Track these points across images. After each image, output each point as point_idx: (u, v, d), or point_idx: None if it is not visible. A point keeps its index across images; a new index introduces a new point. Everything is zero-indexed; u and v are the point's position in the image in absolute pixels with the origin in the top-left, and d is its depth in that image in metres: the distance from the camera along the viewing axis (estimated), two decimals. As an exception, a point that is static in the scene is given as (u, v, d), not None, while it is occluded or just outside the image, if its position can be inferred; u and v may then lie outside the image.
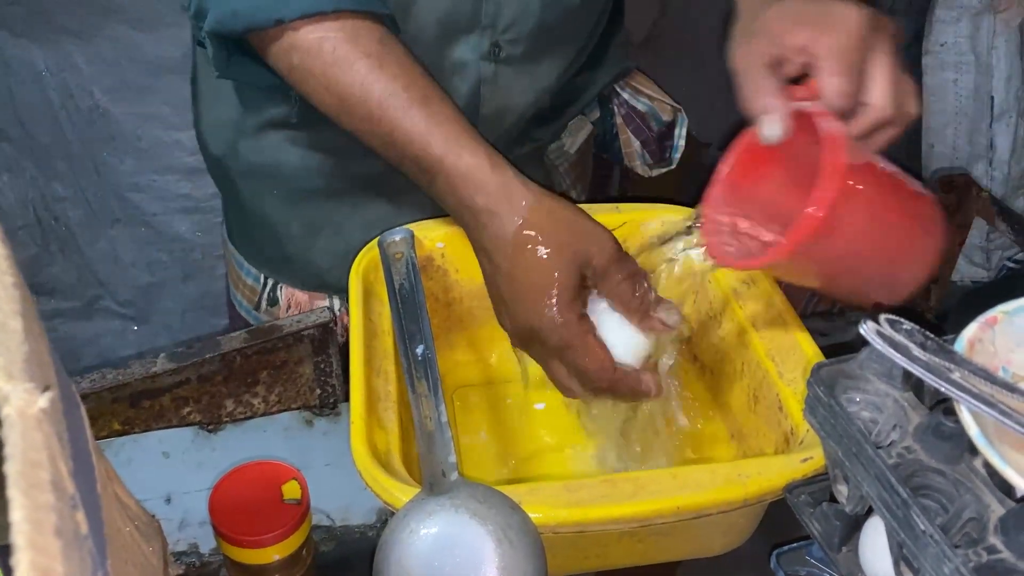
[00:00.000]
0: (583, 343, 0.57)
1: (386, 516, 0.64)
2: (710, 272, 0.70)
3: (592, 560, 0.59)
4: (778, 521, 0.60)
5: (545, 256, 0.57)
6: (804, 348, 0.61)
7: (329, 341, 0.85)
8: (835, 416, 0.42)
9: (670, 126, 0.96)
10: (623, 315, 0.58)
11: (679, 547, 0.59)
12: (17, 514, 0.22)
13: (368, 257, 0.68)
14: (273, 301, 0.88)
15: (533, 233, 0.58)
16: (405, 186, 0.79)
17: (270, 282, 0.88)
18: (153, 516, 0.49)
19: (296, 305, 0.88)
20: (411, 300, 0.65)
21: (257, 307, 0.90)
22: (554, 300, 0.57)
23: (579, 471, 0.67)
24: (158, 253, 1.27)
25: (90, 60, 1.15)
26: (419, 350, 0.60)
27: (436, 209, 0.79)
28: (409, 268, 0.67)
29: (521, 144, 0.84)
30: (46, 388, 0.26)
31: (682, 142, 0.95)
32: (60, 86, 1.16)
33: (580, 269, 0.58)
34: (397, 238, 0.69)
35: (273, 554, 0.51)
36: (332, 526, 0.64)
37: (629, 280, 0.58)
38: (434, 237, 0.71)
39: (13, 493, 0.23)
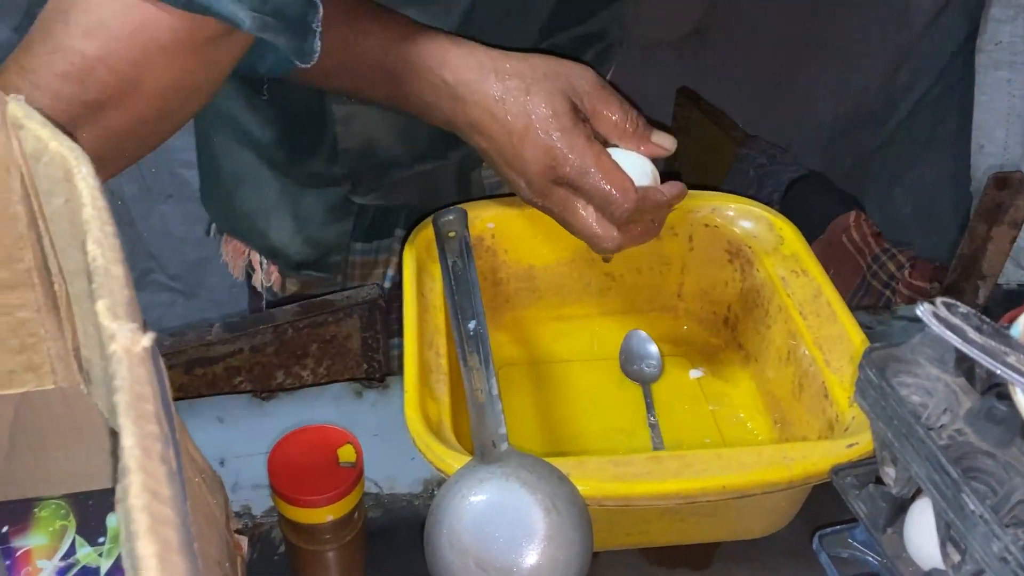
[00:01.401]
0: (600, 163, 0.57)
1: (432, 486, 0.66)
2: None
3: (633, 537, 0.60)
4: (817, 508, 0.61)
5: (532, 93, 0.57)
6: (852, 338, 0.61)
7: (376, 318, 0.86)
8: (885, 398, 0.43)
9: None
10: (623, 144, 0.59)
11: (720, 528, 0.60)
12: (128, 440, 0.24)
13: (421, 234, 0.70)
14: (221, 230, 0.92)
15: (512, 80, 0.58)
16: (311, 168, 0.80)
17: None
18: (215, 472, 0.51)
19: (229, 241, 0.91)
20: (464, 277, 0.66)
21: (208, 231, 0.94)
22: (556, 126, 0.56)
23: (618, 452, 0.68)
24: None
25: (150, 38, 1.18)
26: (471, 325, 0.62)
27: (337, 201, 0.80)
28: (462, 246, 0.68)
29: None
30: (146, 329, 0.28)
31: None
32: (120, 63, 1.18)
33: (569, 97, 0.57)
34: (451, 217, 0.71)
35: (327, 515, 0.53)
36: (379, 494, 0.65)
37: (620, 109, 0.58)
38: (486, 217, 0.73)
39: (124, 421, 0.24)
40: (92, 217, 0.30)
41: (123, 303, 0.28)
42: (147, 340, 0.27)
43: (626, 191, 0.57)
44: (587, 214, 0.59)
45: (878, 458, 0.46)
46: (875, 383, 0.43)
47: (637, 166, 0.60)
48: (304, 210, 0.83)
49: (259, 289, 0.90)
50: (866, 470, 0.49)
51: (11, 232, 0.39)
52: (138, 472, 0.23)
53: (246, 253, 0.90)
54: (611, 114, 0.59)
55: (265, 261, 0.88)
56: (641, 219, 0.60)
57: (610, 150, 0.60)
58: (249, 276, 0.91)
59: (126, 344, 0.26)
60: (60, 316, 0.42)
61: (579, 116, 0.58)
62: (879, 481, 0.48)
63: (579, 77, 0.59)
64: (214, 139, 0.84)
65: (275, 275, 0.89)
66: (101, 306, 0.27)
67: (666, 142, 0.60)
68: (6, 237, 0.39)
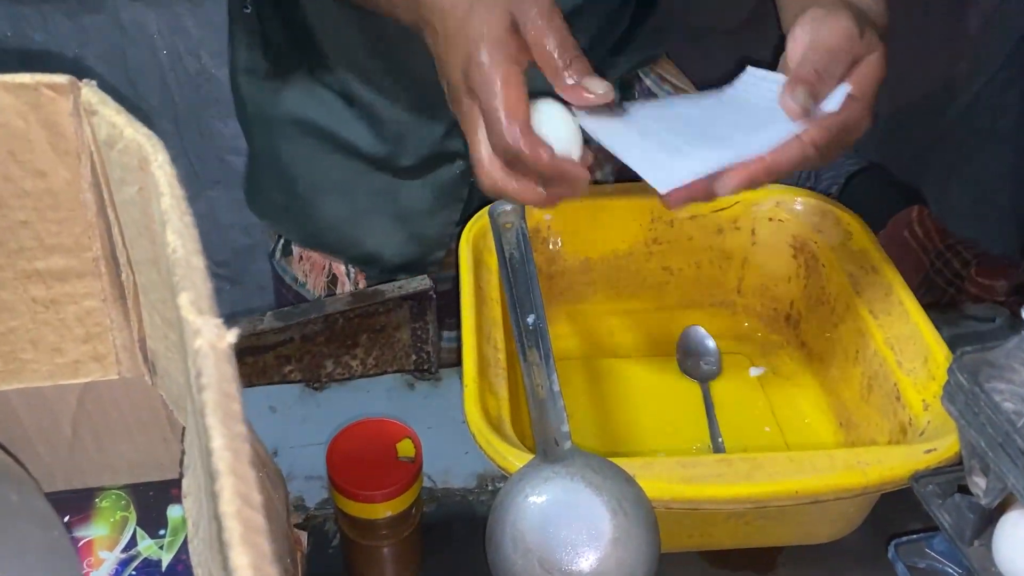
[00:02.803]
0: (507, 84, 0.52)
1: (487, 481, 0.65)
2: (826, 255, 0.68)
3: (695, 539, 0.58)
4: (884, 513, 0.59)
5: (476, 3, 0.54)
6: (926, 338, 0.59)
7: (427, 308, 0.85)
8: (978, 404, 0.41)
9: None
10: (551, 80, 0.54)
11: (785, 532, 0.58)
12: (217, 442, 0.23)
13: (477, 226, 0.69)
14: (287, 251, 0.88)
15: None
16: (408, 165, 0.78)
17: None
18: (276, 465, 0.50)
19: (307, 257, 0.87)
20: (522, 270, 0.65)
21: (272, 255, 0.90)
22: (484, 35, 0.53)
23: (678, 450, 0.66)
24: (255, 216, 1.29)
25: (199, 24, 1.18)
26: (530, 319, 0.60)
27: (449, 183, 0.79)
28: (519, 238, 0.67)
29: None
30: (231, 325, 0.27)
31: None
32: (170, 49, 1.19)
33: (512, 15, 0.54)
34: (507, 208, 0.69)
35: (385, 511, 0.52)
36: (433, 488, 0.65)
37: (557, 40, 0.54)
38: (542, 209, 0.71)
39: (211, 422, 0.23)
40: (171, 206, 0.29)
41: (205, 296, 0.27)
42: (232, 336, 0.26)
43: (513, 119, 0.52)
44: (480, 136, 0.55)
45: (966, 467, 0.44)
46: (966, 388, 0.41)
47: (563, 125, 0.54)
48: (407, 203, 0.80)
49: None
50: (948, 478, 0.47)
51: (80, 220, 0.38)
52: (229, 475, 0.22)
53: (327, 266, 0.87)
54: (547, 44, 0.54)
55: (353, 270, 0.86)
56: (529, 173, 0.54)
57: (542, 101, 0.55)
58: (330, 290, 0.88)
59: (212, 340, 0.25)
60: (127, 306, 0.41)
61: (514, 37, 0.54)
62: (962, 490, 0.46)
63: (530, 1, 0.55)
64: (289, 152, 0.81)
65: (362, 284, 0.87)
66: (184, 299, 0.26)
67: (597, 88, 0.54)
68: (75, 225, 0.39)
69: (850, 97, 0.55)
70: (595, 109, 0.55)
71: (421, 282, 0.84)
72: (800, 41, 0.56)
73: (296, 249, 0.87)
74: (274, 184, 0.84)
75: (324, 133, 0.78)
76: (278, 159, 0.82)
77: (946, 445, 0.50)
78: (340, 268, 0.86)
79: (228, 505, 0.21)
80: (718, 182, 0.52)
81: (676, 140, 0.54)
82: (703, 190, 0.52)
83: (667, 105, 0.62)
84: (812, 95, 0.53)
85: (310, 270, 0.88)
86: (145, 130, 0.32)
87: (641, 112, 0.58)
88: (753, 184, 0.52)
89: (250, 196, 0.88)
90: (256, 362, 0.81)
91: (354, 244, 0.83)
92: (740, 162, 0.52)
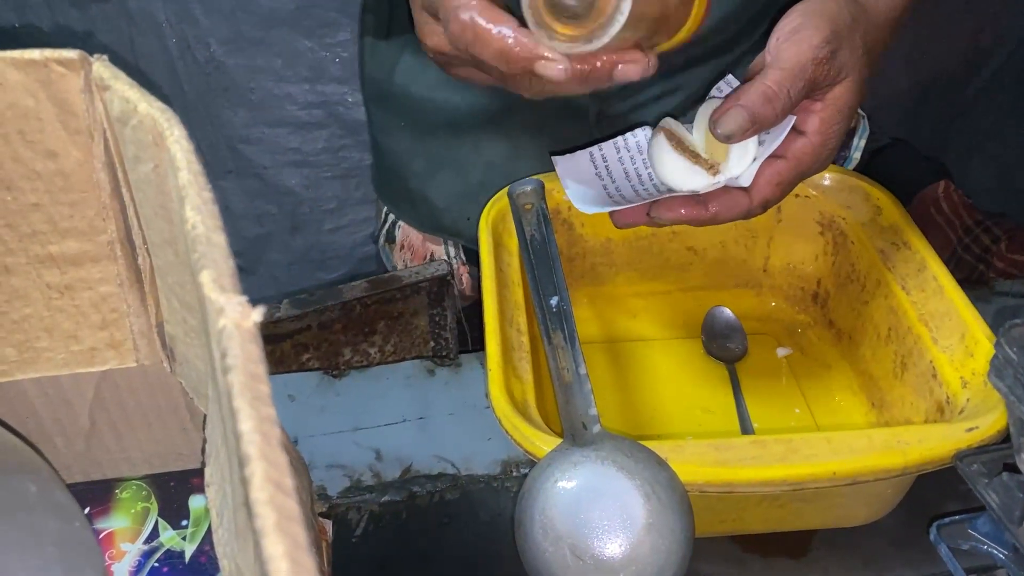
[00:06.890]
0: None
1: (511, 468, 0.64)
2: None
3: (727, 524, 0.57)
4: (919, 494, 0.57)
5: None
6: (963, 314, 0.57)
7: (445, 294, 0.84)
8: (1029, 380, 0.39)
9: (850, 132, 0.87)
10: None
11: (820, 515, 0.57)
12: (245, 425, 0.21)
13: (497, 207, 0.67)
14: (391, 237, 0.88)
15: None
16: (527, 127, 0.77)
17: (391, 218, 0.87)
18: (299, 453, 0.49)
19: (409, 247, 0.87)
20: (543, 251, 0.63)
21: (377, 239, 0.89)
22: None
23: (706, 434, 0.65)
24: (267, 205, 1.28)
25: (208, 12, 1.16)
26: (553, 301, 0.59)
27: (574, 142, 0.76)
28: (540, 219, 0.66)
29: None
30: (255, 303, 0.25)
31: (858, 154, 0.86)
32: (179, 37, 1.17)
33: None
34: (528, 188, 0.68)
35: None
36: (457, 475, 0.63)
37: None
38: (563, 189, 0.70)
39: (239, 404, 0.22)
40: (189, 182, 0.28)
41: (228, 274, 0.25)
42: (257, 315, 0.24)
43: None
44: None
45: (1014, 444, 0.42)
46: (1016, 362, 0.39)
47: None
48: (525, 173, 0.74)
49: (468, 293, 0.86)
50: (993, 457, 0.46)
51: (94, 202, 0.37)
52: (260, 461, 0.21)
53: (427, 256, 0.86)
54: None
55: (456, 261, 0.85)
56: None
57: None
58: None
59: (236, 319, 0.24)
60: (144, 290, 0.40)
61: None
62: (1009, 468, 0.44)
63: None
64: (391, 132, 0.78)
65: (464, 273, 0.86)
66: (206, 277, 0.25)
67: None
68: (88, 208, 0.37)
69: (794, 131, 0.51)
70: None
71: (439, 267, 0.83)
72: (769, 52, 0.52)
73: (399, 237, 0.86)
74: (390, 168, 0.80)
75: (437, 103, 0.74)
76: (391, 142, 0.78)
77: (988, 423, 0.49)
78: (442, 257, 0.85)
79: (260, 492, 0.20)
80: (654, 210, 0.55)
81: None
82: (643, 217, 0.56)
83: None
84: (751, 120, 0.50)
85: (410, 259, 0.87)
86: (159, 104, 0.31)
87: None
88: (691, 222, 0.55)
89: (376, 183, 0.85)
90: (274, 350, 0.80)
91: (471, 224, 0.77)
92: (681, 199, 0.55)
